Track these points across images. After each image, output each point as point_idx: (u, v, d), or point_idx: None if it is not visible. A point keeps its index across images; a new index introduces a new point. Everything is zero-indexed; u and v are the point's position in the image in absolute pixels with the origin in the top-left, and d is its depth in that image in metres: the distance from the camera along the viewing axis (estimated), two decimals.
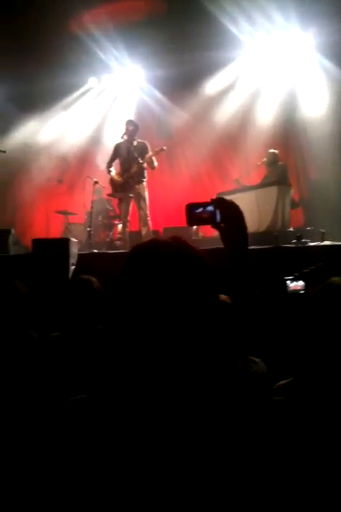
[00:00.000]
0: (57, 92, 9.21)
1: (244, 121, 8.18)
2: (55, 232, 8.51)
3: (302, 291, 1.89)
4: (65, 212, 8.10)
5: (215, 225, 1.37)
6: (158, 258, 0.93)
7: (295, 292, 1.88)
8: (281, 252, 4.36)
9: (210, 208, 1.37)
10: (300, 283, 1.95)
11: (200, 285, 0.95)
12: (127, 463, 0.86)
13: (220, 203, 1.35)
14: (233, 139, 8.22)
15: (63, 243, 4.49)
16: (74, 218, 8.23)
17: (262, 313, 1.35)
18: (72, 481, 0.90)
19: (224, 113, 8.32)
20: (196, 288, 0.93)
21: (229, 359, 1.11)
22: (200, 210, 1.41)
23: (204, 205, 1.39)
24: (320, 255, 4.21)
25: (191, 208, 1.41)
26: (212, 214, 1.36)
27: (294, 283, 1.92)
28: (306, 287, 1.88)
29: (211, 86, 8.49)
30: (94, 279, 2.61)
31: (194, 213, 1.41)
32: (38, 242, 4.57)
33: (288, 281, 1.84)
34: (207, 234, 7.28)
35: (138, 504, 0.84)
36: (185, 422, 0.88)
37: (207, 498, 0.84)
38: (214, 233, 5.96)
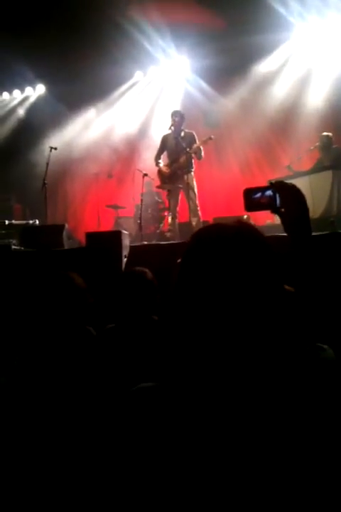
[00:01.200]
0: (103, 88, 9.35)
1: (294, 105, 7.94)
2: (106, 225, 8.65)
3: None
4: (115, 206, 8.21)
5: (275, 210, 1.31)
6: (222, 241, 0.90)
7: None
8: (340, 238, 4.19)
9: (269, 193, 1.31)
10: None
11: (267, 269, 0.90)
12: (198, 451, 0.84)
13: (280, 186, 1.29)
14: (283, 124, 8.01)
15: (115, 236, 4.52)
16: (123, 212, 8.33)
17: (327, 300, 1.28)
18: (141, 469, 0.88)
19: (273, 98, 8.13)
20: (263, 272, 0.89)
21: (297, 346, 1.06)
22: (259, 195, 1.35)
23: (263, 189, 1.33)
24: None
25: (249, 193, 1.35)
26: (272, 199, 1.30)
27: None
28: None
29: (259, 71, 8.31)
30: (147, 270, 2.61)
31: (252, 199, 1.35)
32: (91, 236, 4.63)
33: None
34: (259, 223, 7.15)
35: (210, 492, 0.81)
36: (256, 412, 0.84)
37: (279, 483, 0.80)
38: (266, 222, 5.83)
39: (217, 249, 0.89)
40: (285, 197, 1.28)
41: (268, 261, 0.92)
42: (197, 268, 0.90)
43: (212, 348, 0.88)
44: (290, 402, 0.87)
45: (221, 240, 0.91)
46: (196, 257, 0.92)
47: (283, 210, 1.28)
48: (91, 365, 2.36)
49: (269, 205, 1.31)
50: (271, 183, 1.32)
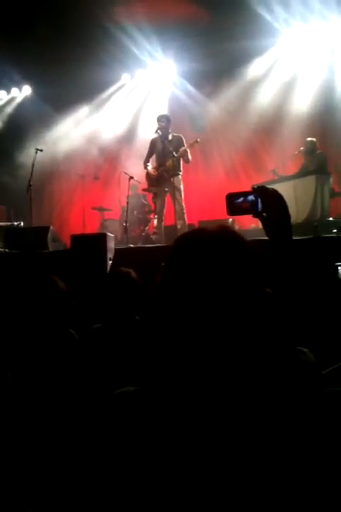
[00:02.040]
0: (90, 90, 9.33)
1: (279, 110, 8.03)
2: (91, 228, 8.62)
3: None
4: (101, 209, 8.20)
5: (257, 215, 1.33)
6: (205, 245, 0.91)
7: None
8: (322, 242, 4.24)
9: (251, 197, 1.33)
10: None
11: (249, 273, 0.92)
12: (180, 454, 0.84)
13: (262, 191, 1.32)
14: (268, 129, 8.09)
15: (100, 238, 4.53)
16: (109, 214, 8.32)
17: (307, 302, 1.30)
18: (122, 473, 0.89)
19: (259, 103, 8.20)
20: (245, 276, 0.90)
21: (277, 349, 1.07)
22: (241, 199, 1.37)
23: (245, 194, 1.36)
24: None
25: (231, 197, 1.38)
26: (254, 203, 1.32)
27: None
28: None
29: (245, 76, 8.37)
30: (131, 270, 2.62)
31: (234, 203, 1.38)
32: (76, 238, 4.63)
33: (340, 268, 1.78)
34: (244, 226, 7.20)
35: (192, 497, 0.82)
36: (236, 415, 0.86)
37: (263, 486, 0.81)
38: (251, 225, 5.88)
39: (200, 253, 0.90)
40: (266, 201, 1.30)
41: (251, 265, 0.93)
42: (180, 272, 0.91)
43: (193, 352, 0.88)
44: (270, 405, 0.88)
45: (203, 244, 0.92)
46: (178, 260, 0.93)
47: (264, 214, 1.30)
48: (73, 367, 2.36)
49: (251, 210, 1.33)
50: (253, 188, 1.34)
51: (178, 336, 0.90)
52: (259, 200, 1.31)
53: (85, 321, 2.95)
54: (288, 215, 1.28)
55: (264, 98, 8.16)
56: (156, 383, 0.92)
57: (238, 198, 1.37)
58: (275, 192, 1.34)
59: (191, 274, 0.88)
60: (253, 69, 8.34)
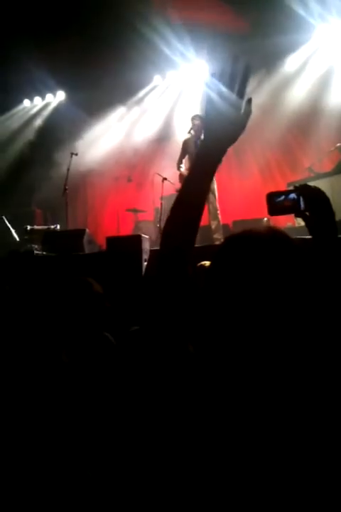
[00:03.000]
0: (123, 93, 9.42)
1: (314, 106, 7.85)
2: (125, 230, 8.69)
3: None
4: (135, 210, 8.23)
5: (299, 213, 1.30)
6: (258, 244, 0.89)
7: None
8: None
9: (293, 196, 1.30)
10: None
11: (299, 272, 0.90)
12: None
13: (304, 189, 1.29)
14: (303, 126, 7.93)
15: (136, 240, 4.55)
16: (143, 215, 8.36)
17: None
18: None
19: (293, 100, 8.06)
20: (297, 277, 0.88)
21: (323, 348, 1.05)
22: (282, 198, 1.34)
23: (286, 193, 1.33)
24: None
25: (272, 197, 1.35)
26: (295, 202, 1.29)
27: None
28: None
29: (279, 73, 8.25)
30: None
31: (275, 202, 1.35)
32: (111, 240, 4.67)
33: None
34: (280, 225, 7.08)
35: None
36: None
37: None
38: (286, 224, 5.76)
39: (253, 251, 0.89)
40: (309, 200, 1.28)
41: (300, 264, 0.92)
42: (231, 272, 0.90)
43: (244, 350, 0.88)
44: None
45: (256, 243, 0.91)
46: (230, 260, 0.92)
47: (307, 213, 1.27)
48: (110, 370, 2.36)
49: (293, 209, 1.30)
50: (295, 187, 1.32)
51: (231, 335, 0.89)
52: (301, 199, 1.28)
53: (121, 323, 2.96)
54: (332, 213, 1.25)
55: (299, 94, 8.01)
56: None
57: (279, 197, 1.34)
58: (317, 189, 1.31)
59: (243, 271, 0.87)
60: (288, 65, 8.21)
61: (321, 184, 6.01)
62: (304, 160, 7.86)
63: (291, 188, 1.36)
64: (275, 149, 8.19)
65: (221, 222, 6.33)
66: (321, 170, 6.97)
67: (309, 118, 7.82)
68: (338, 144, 6.64)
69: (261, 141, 8.25)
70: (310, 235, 1.28)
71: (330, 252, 1.24)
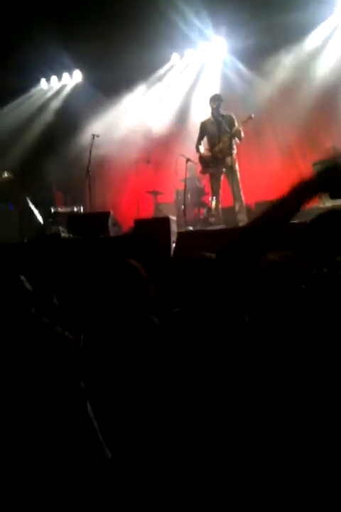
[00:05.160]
0: (140, 72, 9.29)
1: (336, 84, 7.69)
2: (145, 212, 8.67)
3: None
4: (155, 192, 8.20)
5: None
6: None
7: None
8: None
9: None
10: None
11: None
12: None
13: None
14: (325, 105, 7.75)
15: (164, 222, 4.55)
16: (162, 197, 8.32)
17: None
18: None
19: (315, 78, 7.89)
20: None
21: None
22: None
23: None
24: None
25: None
26: None
27: None
28: None
29: (300, 50, 8.06)
30: (213, 255, 2.61)
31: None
32: (139, 223, 4.68)
33: None
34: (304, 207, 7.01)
35: None
36: None
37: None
38: (312, 206, 5.67)
39: None
40: None
41: None
42: None
43: None
44: None
45: None
46: None
47: None
48: (158, 352, 2.38)
49: None
50: None
51: None
52: None
53: (161, 305, 2.97)
54: None
55: (320, 72, 7.85)
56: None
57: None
58: None
59: None
60: (309, 42, 8.01)
61: None
62: (325, 139, 7.74)
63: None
64: (296, 129, 8.04)
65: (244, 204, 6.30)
66: None
67: (331, 96, 7.67)
68: None
69: (281, 121, 8.14)
70: None
71: None
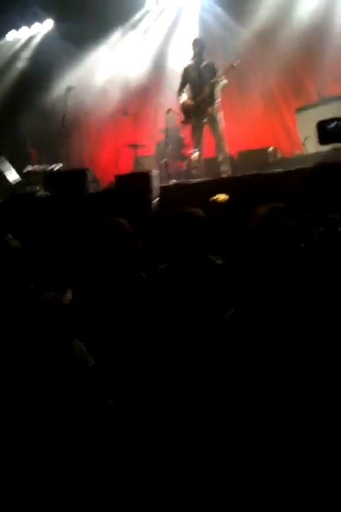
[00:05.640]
0: (114, 18, 8.81)
1: (318, 27, 7.38)
2: (124, 166, 8.43)
3: None
4: (135, 146, 7.93)
5: None
6: None
7: None
8: None
9: None
10: None
11: None
12: None
13: None
14: (308, 48, 7.44)
15: (145, 177, 4.38)
16: (142, 151, 8.07)
17: None
18: None
19: (297, 20, 7.55)
20: None
21: None
22: (334, 124, 1.27)
23: (338, 119, 1.25)
24: None
25: (323, 125, 1.27)
26: None
27: None
28: None
29: None
30: (199, 210, 2.52)
31: (327, 130, 1.27)
32: (120, 178, 4.51)
33: None
34: (286, 155, 6.89)
35: None
36: None
37: None
38: (295, 153, 5.59)
39: None
40: None
41: None
42: None
43: None
44: None
45: None
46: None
47: None
48: (146, 308, 2.32)
49: None
50: None
51: None
52: None
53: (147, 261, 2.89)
54: None
55: (303, 13, 7.51)
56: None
57: (330, 124, 1.27)
58: None
59: None
60: None
61: (330, 110, 5.80)
62: (309, 85, 7.54)
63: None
64: (278, 74, 7.75)
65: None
66: (327, 94, 6.70)
67: (314, 39, 7.35)
68: None
69: (263, 66, 7.84)
70: None
71: None
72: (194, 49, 6.23)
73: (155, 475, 1.76)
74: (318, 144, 3.06)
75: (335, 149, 3.66)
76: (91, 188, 5.51)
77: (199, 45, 6.22)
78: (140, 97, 8.83)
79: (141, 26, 9.05)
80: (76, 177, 5.35)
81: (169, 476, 1.70)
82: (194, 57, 6.25)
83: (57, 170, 6.59)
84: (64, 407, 1.74)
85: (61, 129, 6.17)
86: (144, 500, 1.72)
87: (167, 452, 1.80)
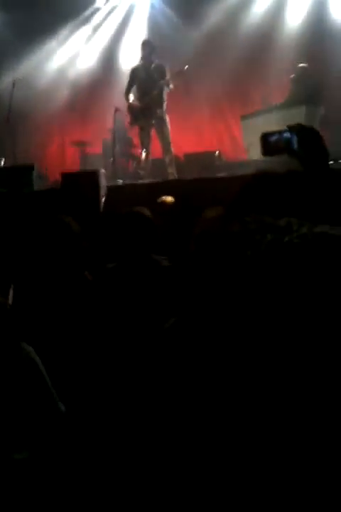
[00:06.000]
0: (62, 14, 8.67)
1: (265, 36, 7.65)
2: (71, 164, 8.33)
3: None
4: (81, 144, 7.86)
5: (292, 154, 1.34)
6: None
7: None
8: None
9: (287, 135, 1.34)
10: None
11: None
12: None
13: (298, 129, 1.32)
14: (254, 56, 7.69)
15: (93, 175, 4.37)
16: (89, 149, 8.01)
17: None
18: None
19: (244, 28, 7.80)
20: None
21: None
22: (276, 137, 1.37)
23: (280, 132, 1.36)
24: None
25: (266, 136, 1.38)
26: (289, 141, 1.33)
27: None
28: None
29: None
30: (146, 209, 2.57)
31: (270, 142, 1.38)
32: (67, 176, 4.46)
33: None
34: (231, 159, 7.10)
35: None
36: None
37: None
38: (237, 157, 5.78)
39: None
40: (303, 140, 1.31)
41: None
42: None
43: None
44: None
45: None
46: None
47: (300, 152, 1.31)
48: (91, 309, 2.34)
49: (286, 148, 1.34)
50: (289, 126, 1.35)
51: None
52: (294, 138, 1.31)
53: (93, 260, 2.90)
54: (326, 151, 1.29)
55: (250, 22, 7.76)
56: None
57: (272, 136, 1.37)
58: (312, 129, 1.34)
59: None
60: None
61: (272, 118, 6.05)
62: (254, 93, 7.79)
63: (285, 128, 1.38)
64: (225, 81, 7.94)
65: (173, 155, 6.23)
66: (272, 102, 6.95)
67: (260, 48, 7.59)
68: (292, 75, 6.59)
69: (210, 71, 8.01)
70: (303, 170, 1.31)
71: (322, 184, 1.28)
72: (143, 50, 6.24)
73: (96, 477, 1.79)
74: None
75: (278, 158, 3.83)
76: (38, 185, 5.42)
77: (148, 47, 6.23)
78: (88, 95, 8.75)
79: (91, 23, 8.98)
80: (20, 173, 5.24)
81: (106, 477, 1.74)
82: (143, 58, 6.25)
83: (1, 166, 6.40)
84: (13, 412, 1.73)
85: (5, 124, 5.98)
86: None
87: (108, 458, 1.82)
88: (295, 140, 1.31)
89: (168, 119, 6.21)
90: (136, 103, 6.24)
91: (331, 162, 4.31)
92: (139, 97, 6.28)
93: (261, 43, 7.55)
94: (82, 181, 4.37)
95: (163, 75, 6.11)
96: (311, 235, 0.84)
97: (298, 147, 1.30)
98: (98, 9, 8.91)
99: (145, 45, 6.25)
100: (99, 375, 2.16)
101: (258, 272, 0.83)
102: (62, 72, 8.85)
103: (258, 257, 0.83)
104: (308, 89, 6.29)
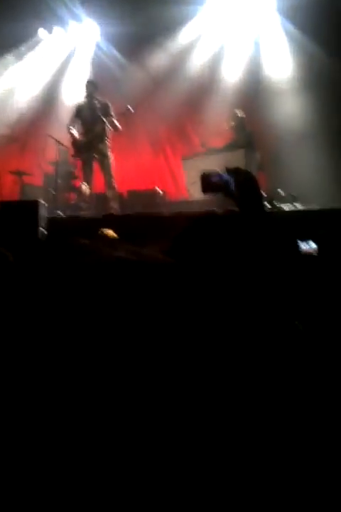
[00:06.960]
0: (7, 40, 8.55)
1: (206, 81, 8.00)
2: (8, 194, 8.08)
3: (314, 254, 1.97)
4: (20, 173, 7.67)
5: (229, 194, 1.40)
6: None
7: (308, 254, 1.95)
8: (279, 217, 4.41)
9: (226, 177, 1.40)
10: (313, 246, 2.02)
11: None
12: None
13: (235, 172, 1.39)
14: (195, 101, 7.98)
15: (32, 206, 4.28)
16: (29, 179, 7.83)
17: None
18: None
19: (186, 73, 8.09)
20: None
21: None
22: (216, 178, 1.43)
23: (220, 174, 1.42)
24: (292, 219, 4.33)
25: (207, 176, 1.44)
26: (227, 183, 1.39)
27: (306, 246, 1.98)
28: (318, 251, 1.95)
29: (173, 44, 8.19)
30: (87, 241, 2.54)
31: (210, 181, 1.43)
32: (5, 205, 4.33)
33: (301, 244, 1.88)
34: (173, 197, 7.23)
35: None
36: None
37: None
38: (181, 196, 5.91)
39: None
40: (239, 182, 1.37)
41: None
42: None
43: None
44: None
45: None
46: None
47: (236, 194, 1.37)
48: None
49: (224, 189, 1.39)
50: (228, 169, 1.41)
51: None
52: (232, 181, 1.38)
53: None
54: (260, 196, 1.36)
55: (192, 68, 8.09)
56: None
57: (213, 177, 1.42)
58: (248, 173, 1.42)
59: None
60: (182, 37, 8.15)
61: (213, 160, 6.26)
62: (194, 136, 8.03)
63: (223, 170, 1.44)
64: (167, 122, 8.16)
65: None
66: (211, 146, 7.22)
67: (201, 93, 7.90)
68: (232, 123, 6.89)
69: (153, 112, 8.19)
70: (239, 210, 1.36)
71: (257, 225, 1.34)
72: (87, 90, 6.33)
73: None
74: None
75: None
76: None
77: (91, 87, 6.34)
78: (29, 125, 8.63)
79: (33, 55, 8.93)
80: None
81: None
82: (86, 96, 6.33)
83: None
84: None
85: None
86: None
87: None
88: (232, 182, 1.37)
89: (110, 155, 6.26)
90: (80, 138, 6.27)
91: (265, 204, 4.52)
92: (83, 132, 6.32)
93: (201, 90, 7.85)
94: (21, 211, 4.25)
95: (107, 111, 6.21)
96: None
97: (234, 188, 1.36)
98: (39, 41, 8.87)
99: (89, 85, 6.37)
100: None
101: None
102: (2, 98, 8.67)
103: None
104: (247, 137, 6.63)
